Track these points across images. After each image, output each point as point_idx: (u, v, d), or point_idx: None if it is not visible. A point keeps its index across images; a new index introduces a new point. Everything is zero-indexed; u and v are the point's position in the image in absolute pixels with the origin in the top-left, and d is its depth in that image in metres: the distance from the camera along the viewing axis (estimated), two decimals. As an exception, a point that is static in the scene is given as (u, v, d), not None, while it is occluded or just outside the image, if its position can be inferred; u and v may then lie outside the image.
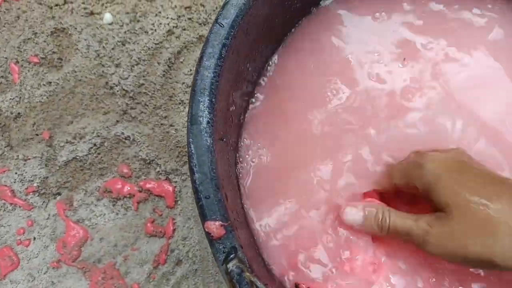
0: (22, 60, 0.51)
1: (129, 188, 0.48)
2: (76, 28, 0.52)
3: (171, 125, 0.50)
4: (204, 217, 0.24)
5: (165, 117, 0.50)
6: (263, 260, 0.30)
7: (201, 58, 0.26)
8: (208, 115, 0.25)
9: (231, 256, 0.23)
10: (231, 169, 0.30)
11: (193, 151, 0.25)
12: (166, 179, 0.49)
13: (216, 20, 0.26)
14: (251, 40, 0.30)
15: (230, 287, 0.23)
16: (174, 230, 0.48)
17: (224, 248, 0.24)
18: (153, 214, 0.48)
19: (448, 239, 0.25)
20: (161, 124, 0.50)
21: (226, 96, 0.29)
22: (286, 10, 0.32)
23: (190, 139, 0.25)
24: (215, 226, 0.24)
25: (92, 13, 0.53)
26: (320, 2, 0.35)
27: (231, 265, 0.23)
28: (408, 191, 0.29)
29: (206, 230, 0.24)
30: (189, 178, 0.48)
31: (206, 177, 0.25)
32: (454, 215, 0.25)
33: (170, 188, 0.48)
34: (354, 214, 0.29)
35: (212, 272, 0.46)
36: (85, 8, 0.53)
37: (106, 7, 0.53)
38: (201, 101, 0.25)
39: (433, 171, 0.26)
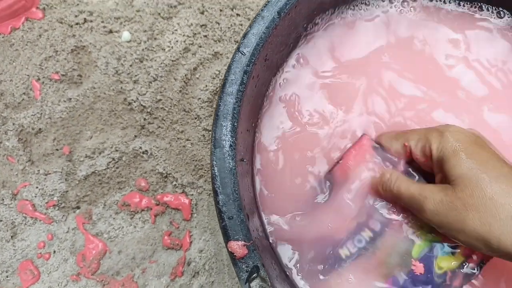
0: (44, 77, 0.53)
1: (146, 201, 0.49)
2: (95, 46, 0.54)
3: (187, 139, 0.51)
4: (227, 237, 0.25)
5: (182, 131, 0.51)
6: (282, 268, 0.31)
7: (224, 85, 0.27)
8: (230, 139, 0.26)
9: (254, 275, 0.24)
10: (250, 188, 0.31)
11: (216, 173, 0.26)
12: (182, 192, 0.50)
13: (238, 49, 0.27)
14: (270, 63, 0.31)
15: (254, 305, 0.24)
16: (190, 242, 0.49)
17: (247, 267, 0.25)
18: (170, 226, 0.49)
19: (448, 209, 0.26)
20: (178, 138, 0.51)
21: (247, 118, 0.30)
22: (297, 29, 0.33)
23: (214, 162, 0.26)
24: (238, 246, 0.25)
25: (111, 31, 0.54)
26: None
27: (254, 284, 0.24)
28: (418, 159, 0.30)
29: (229, 249, 0.25)
30: (205, 191, 0.50)
31: (229, 198, 0.26)
32: (461, 187, 0.26)
33: (187, 201, 0.49)
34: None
35: (228, 284, 0.47)
36: (104, 27, 0.54)
37: (124, 25, 0.55)
38: (224, 126, 0.26)
39: (454, 141, 0.27)
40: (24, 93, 0.53)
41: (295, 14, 0.30)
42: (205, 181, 0.50)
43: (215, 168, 0.26)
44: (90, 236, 0.49)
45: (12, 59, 0.54)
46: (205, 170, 0.51)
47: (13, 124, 0.51)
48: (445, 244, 0.30)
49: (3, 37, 0.55)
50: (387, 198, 0.30)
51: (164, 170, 0.50)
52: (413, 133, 0.30)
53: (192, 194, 0.50)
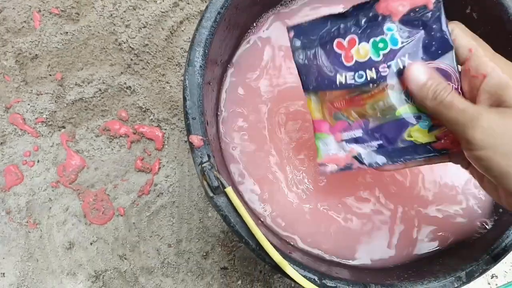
0: (44, 10, 0.59)
1: (125, 129, 0.57)
2: (94, -11, 0.60)
3: (167, 82, 0.59)
4: (189, 132, 0.34)
5: (163, 75, 0.59)
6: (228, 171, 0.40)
7: (200, 20, 0.35)
8: (201, 61, 0.35)
9: (205, 159, 0.33)
10: (213, 107, 0.39)
11: (187, 85, 0.34)
12: (157, 126, 0.58)
13: (215, -6, 0.35)
14: (240, 13, 0.40)
15: (203, 179, 0.32)
16: (159, 168, 0.57)
17: (201, 154, 0.33)
18: (143, 153, 0.57)
19: (501, 128, 0.25)
20: (159, 80, 0.59)
21: (217, 52, 0.38)
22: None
23: (186, 76, 0.34)
24: (196, 139, 0.33)
25: (110, -22, 0.61)
26: None
27: (205, 165, 0.33)
28: (470, 73, 0.28)
29: (190, 141, 0.34)
30: (177, 128, 0.58)
31: (194, 104, 0.34)
32: None
33: (160, 134, 0.57)
34: (421, 72, 0.29)
35: (187, 205, 0.56)
36: (104, -27, 0.61)
37: (122, -26, 0.61)
38: (197, 50, 0.35)
39: None
40: (25, 21, 0.59)
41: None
42: (178, 119, 0.58)
43: (186, 81, 0.34)
44: (72, 152, 0.56)
45: (16, -11, 0.60)
46: (180, 110, 0.59)
47: (12, 47, 0.58)
48: (429, 120, 0.30)
49: (10, -32, 0.60)
50: (431, 108, 0.28)
51: (143, 105, 0.58)
52: (486, 45, 0.28)
53: (166, 129, 0.58)
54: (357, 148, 0.33)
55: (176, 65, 0.59)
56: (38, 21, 0.59)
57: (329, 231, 0.41)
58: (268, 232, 0.38)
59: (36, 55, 0.58)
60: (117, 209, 0.55)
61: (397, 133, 0.31)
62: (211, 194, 0.33)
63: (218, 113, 0.42)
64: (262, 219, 0.41)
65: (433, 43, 0.29)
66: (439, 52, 0.29)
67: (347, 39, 0.31)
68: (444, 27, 0.28)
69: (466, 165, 0.31)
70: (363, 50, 0.30)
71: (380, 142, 0.32)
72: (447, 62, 0.29)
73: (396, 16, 0.29)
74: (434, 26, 0.28)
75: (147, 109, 0.58)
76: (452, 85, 0.29)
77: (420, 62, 0.29)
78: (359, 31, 0.30)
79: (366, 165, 0.33)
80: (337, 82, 0.31)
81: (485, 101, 0.27)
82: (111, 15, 0.60)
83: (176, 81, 0.59)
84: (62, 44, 0.59)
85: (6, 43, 0.58)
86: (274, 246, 0.33)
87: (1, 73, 0.57)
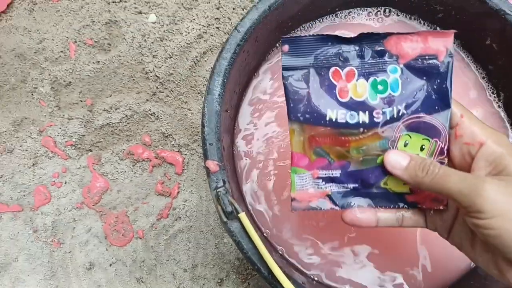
0: (80, 41, 0.64)
1: (147, 154, 0.59)
2: (126, 22, 0.65)
3: (189, 109, 0.61)
4: (206, 157, 0.35)
5: (186, 102, 0.61)
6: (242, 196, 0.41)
7: (221, 51, 0.37)
8: (219, 90, 0.36)
9: (221, 185, 0.34)
10: (230, 133, 0.41)
11: (205, 112, 0.36)
12: (178, 151, 0.60)
13: (235, 27, 0.37)
14: (259, 45, 0.41)
15: (217, 204, 0.33)
16: (178, 192, 0.58)
17: (216, 179, 0.34)
18: (163, 177, 0.59)
19: (507, 195, 0.24)
20: (182, 107, 0.61)
21: (235, 81, 0.40)
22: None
23: (205, 104, 0.36)
24: (212, 164, 0.35)
25: (140, 12, 0.65)
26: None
27: (220, 190, 0.34)
28: (462, 137, 0.28)
29: (206, 165, 0.35)
30: (196, 153, 0.60)
31: (212, 130, 0.35)
32: None
33: (180, 159, 0.59)
34: (399, 157, 0.29)
35: (204, 230, 0.57)
36: (135, 8, 0.65)
37: (152, 9, 0.65)
38: (216, 80, 0.36)
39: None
40: (61, 51, 0.63)
41: (282, 10, 0.40)
42: (198, 145, 0.60)
43: (205, 108, 0.36)
44: (97, 174, 0.58)
45: (56, 23, 0.65)
46: (199, 136, 0.60)
47: (49, 74, 0.62)
48: None
49: (52, 4, 0.65)
50: (428, 184, 0.27)
51: (166, 131, 0.60)
52: (474, 116, 0.28)
53: (186, 154, 0.60)
54: (332, 188, 0.31)
55: (198, 93, 0.62)
56: (73, 51, 0.63)
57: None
58: (283, 261, 0.38)
59: (70, 82, 0.62)
60: (137, 231, 0.57)
61: (375, 180, 0.30)
62: (225, 219, 0.33)
63: (235, 139, 0.43)
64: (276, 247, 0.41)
65: (433, 97, 0.28)
66: (436, 107, 0.28)
67: (345, 70, 0.28)
68: (448, 84, 0.27)
69: (446, 234, 0.30)
70: (360, 88, 0.28)
71: (356, 185, 0.31)
72: (440, 119, 0.28)
73: (403, 59, 0.28)
74: (438, 80, 0.27)
75: (169, 135, 0.60)
76: (440, 144, 0.28)
77: (394, 150, 0.29)
78: (360, 64, 0.28)
79: (338, 206, 0.31)
80: (327, 118, 0.29)
81: (482, 169, 0.27)
82: (140, 46, 0.63)
83: (198, 108, 0.61)
84: (94, 72, 0.62)
85: (43, 71, 0.62)
86: (287, 275, 0.33)
87: (38, 98, 0.62)
